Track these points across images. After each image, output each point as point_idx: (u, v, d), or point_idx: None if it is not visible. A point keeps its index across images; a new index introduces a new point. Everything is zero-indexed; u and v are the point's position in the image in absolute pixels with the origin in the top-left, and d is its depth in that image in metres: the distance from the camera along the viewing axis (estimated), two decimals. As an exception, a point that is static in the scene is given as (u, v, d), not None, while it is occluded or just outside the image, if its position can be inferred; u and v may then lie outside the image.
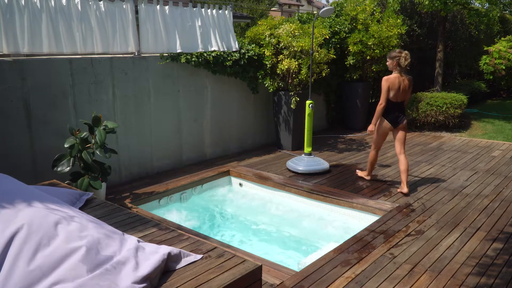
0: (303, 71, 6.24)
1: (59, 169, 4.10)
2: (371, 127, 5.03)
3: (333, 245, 3.74)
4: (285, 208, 5.00)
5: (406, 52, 4.76)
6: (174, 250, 2.35)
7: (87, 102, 4.84)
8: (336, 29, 7.75)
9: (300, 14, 8.49)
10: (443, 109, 8.10)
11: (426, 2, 8.81)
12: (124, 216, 3.04)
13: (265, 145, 7.19)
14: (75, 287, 1.95)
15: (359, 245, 3.68)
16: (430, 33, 10.61)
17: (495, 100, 12.06)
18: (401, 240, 3.78)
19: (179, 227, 4.02)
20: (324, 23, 7.81)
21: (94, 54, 4.91)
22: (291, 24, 6.61)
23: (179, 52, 5.61)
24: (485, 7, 10.09)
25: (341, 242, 3.78)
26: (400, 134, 4.97)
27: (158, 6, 5.38)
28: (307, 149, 5.79)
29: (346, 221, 4.62)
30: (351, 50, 7.61)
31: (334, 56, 6.98)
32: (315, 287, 3.05)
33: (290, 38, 6.38)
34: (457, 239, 3.80)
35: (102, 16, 4.88)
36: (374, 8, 8.08)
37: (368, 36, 7.51)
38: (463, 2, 9.04)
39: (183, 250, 2.43)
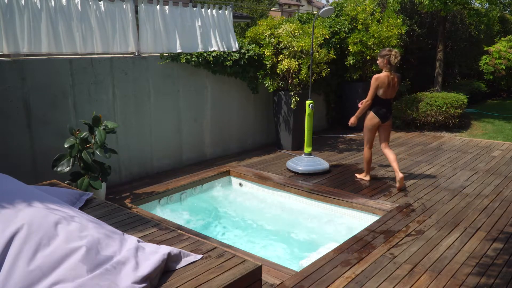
0: (303, 71, 6.24)
1: (59, 169, 4.10)
2: (353, 120, 5.20)
3: (333, 245, 3.74)
4: (285, 208, 5.00)
5: (396, 50, 4.91)
6: (174, 250, 2.35)
7: (87, 102, 4.84)
8: (336, 29, 7.75)
9: (300, 14, 8.49)
10: (443, 109, 8.10)
11: (426, 2, 8.81)
12: (124, 216, 3.04)
13: (265, 145, 7.19)
14: (75, 287, 1.95)
15: (359, 245, 3.68)
16: (430, 33, 10.61)
17: (495, 100, 12.06)
18: (401, 240, 3.78)
19: (179, 227, 4.02)
20: (324, 23, 7.81)
21: (94, 54, 4.91)
22: (291, 24, 6.61)
23: (179, 52, 5.61)
24: (485, 7, 10.09)
25: (341, 242, 3.78)
26: (386, 129, 5.20)
27: (158, 6, 5.38)
28: (307, 149, 5.79)
29: (346, 221, 4.62)
30: (351, 50, 7.61)
31: (334, 56, 6.98)
32: (315, 287, 3.05)
33: (290, 38, 6.38)
34: (457, 239, 3.80)
35: (102, 16, 4.88)
36: (374, 8, 8.08)
37: (368, 36, 7.51)
38: (463, 2, 9.04)
39: (183, 250, 2.44)
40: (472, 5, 9.85)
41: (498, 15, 11.72)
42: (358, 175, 5.50)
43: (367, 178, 5.37)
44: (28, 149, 4.45)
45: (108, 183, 4.95)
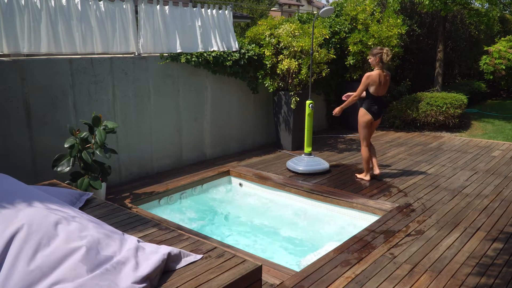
0: (303, 71, 6.24)
1: (59, 169, 4.10)
2: (338, 110, 5.40)
3: (333, 245, 3.74)
4: (285, 208, 5.00)
5: (387, 48, 5.02)
6: (174, 250, 2.35)
7: (87, 102, 4.84)
8: (336, 29, 7.75)
9: (300, 14, 8.49)
10: (443, 109, 8.10)
11: (426, 2, 8.81)
12: (124, 216, 3.04)
13: (265, 145, 7.19)
14: (75, 287, 1.95)
15: (359, 245, 3.68)
16: (430, 33, 10.61)
17: (495, 100, 12.06)
18: (401, 240, 3.78)
19: (179, 227, 4.02)
20: (324, 23, 7.81)
21: (94, 54, 4.91)
22: (291, 24, 6.61)
23: (179, 52, 5.61)
24: (485, 7, 10.09)
25: (341, 242, 3.78)
26: (374, 126, 5.31)
27: (158, 6, 5.38)
28: (307, 149, 5.79)
29: (346, 221, 4.62)
30: (351, 50, 7.61)
31: (334, 56, 6.98)
32: (315, 287, 3.05)
33: (290, 38, 6.38)
34: (457, 239, 3.80)
35: (102, 16, 4.88)
36: (374, 8, 8.08)
37: (368, 36, 7.51)
38: (463, 2, 9.04)
39: (183, 250, 2.43)
40: (472, 5, 9.85)
41: (498, 15, 11.72)
42: (358, 175, 5.50)
43: (367, 178, 5.36)
44: (28, 149, 4.45)
45: (108, 183, 4.95)
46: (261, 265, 2.41)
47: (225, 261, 2.40)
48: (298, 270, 3.32)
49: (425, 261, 3.42)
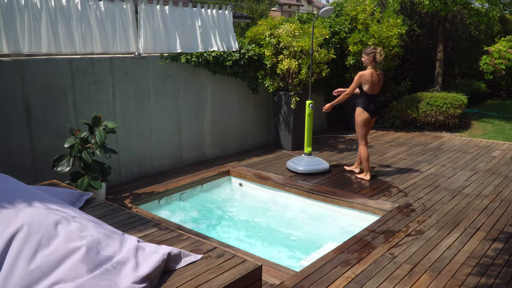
0: (303, 71, 6.24)
1: (59, 169, 4.10)
2: (328, 106, 5.48)
3: (333, 245, 3.74)
4: (285, 208, 5.00)
5: (380, 48, 5.11)
6: (174, 250, 2.35)
7: (87, 102, 4.84)
8: (336, 29, 7.75)
9: (300, 14, 8.49)
10: (443, 109, 8.10)
11: (426, 2, 8.81)
12: (124, 216, 3.04)
13: (265, 145, 7.19)
14: (75, 287, 1.95)
15: (359, 245, 3.68)
16: (430, 33, 10.61)
17: (495, 100, 12.06)
18: (401, 240, 3.78)
19: (179, 227, 4.02)
20: (324, 23, 7.81)
21: (94, 54, 4.91)
22: (291, 24, 6.61)
23: (179, 52, 5.61)
24: (485, 7, 10.09)
25: (341, 242, 3.77)
26: (370, 125, 5.38)
27: (158, 6, 5.38)
28: (307, 149, 5.79)
29: (346, 221, 4.62)
30: (351, 50, 7.60)
31: (334, 56, 6.98)
32: (315, 287, 3.05)
33: (290, 38, 6.38)
34: (457, 239, 3.80)
35: (102, 16, 4.88)
36: (374, 8, 8.08)
37: (368, 36, 7.51)
38: (463, 2, 9.04)
39: (183, 250, 2.43)
40: (472, 5, 9.85)
41: (498, 15, 11.73)
42: (358, 175, 5.50)
43: (368, 177, 5.36)
44: (28, 149, 4.45)
45: (108, 183, 4.95)
46: (261, 265, 2.41)
47: (225, 261, 2.40)
48: (298, 270, 3.32)
49: (425, 261, 3.42)
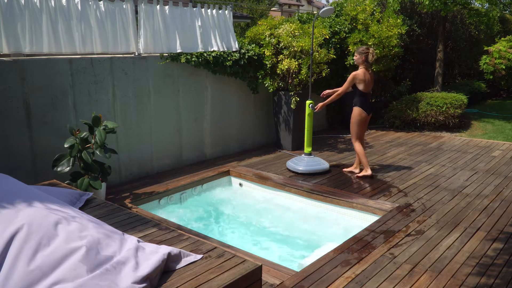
0: (303, 71, 6.25)
1: (59, 169, 4.10)
2: (321, 106, 5.58)
3: (333, 245, 3.74)
4: (285, 208, 5.00)
5: (372, 49, 5.30)
6: (174, 250, 2.35)
7: (87, 102, 4.84)
8: (336, 29, 7.75)
9: (300, 14, 8.49)
10: (443, 109, 8.10)
11: (426, 2, 8.81)
12: (124, 216, 3.04)
13: (265, 145, 7.19)
14: (75, 287, 1.95)
15: (359, 245, 3.68)
16: (430, 33, 10.61)
17: (495, 100, 12.06)
18: (401, 240, 3.78)
19: (179, 227, 4.02)
20: (324, 23, 7.81)
21: (93, 54, 4.91)
22: (291, 24, 6.61)
23: (179, 52, 5.61)
24: (485, 7, 10.09)
25: (341, 242, 3.77)
26: (367, 123, 5.54)
27: (158, 6, 5.38)
28: (307, 149, 5.79)
29: (346, 221, 4.62)
30: (351, 50, 7.61)
31: (334, 56, 6.98)
32: (315, 287, 3.05)
33: (290, 38, 6.38)
34: (457, 239, 3.80)
35: (102, 16, 4.88)
36: (374, 8, 8.08)
37: (368, 36, 7.51)
38: (463, 2, 9.04)
39: (183, 250, 2.43)
40: (472, 5, 9.85)
41: (498, 15, 11.73)
42: (359, 174, 5.50)
43: (369, 172, 5.40)
44: (28, 149, 4.45)
45: (108, 183, 4.95)
46: (261, 265, 2.41)
47: (225, 261, 2.40)
48: (298, 270, 3.32)
49: (425, 261, 3.42)
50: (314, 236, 4.37)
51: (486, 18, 9.62)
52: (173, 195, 5.06)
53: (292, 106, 6.48)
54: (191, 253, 2.44)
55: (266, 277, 3.11)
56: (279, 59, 6.46)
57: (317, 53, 6.38)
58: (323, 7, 5.85)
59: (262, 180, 5.40)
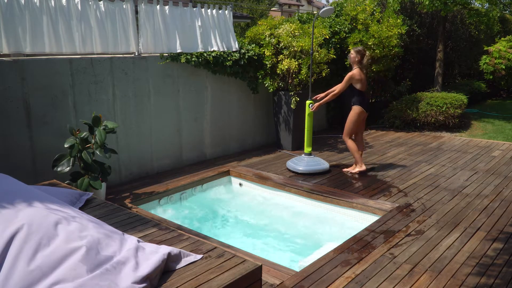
0: (303, 71, 6.25)
1: (59, 169, 4.10)
2: (317, 106, 5.64)
3: (333, 245, 3.74)
4: (285, 208, 5.00)
5: (369, 53, 5.50)
6: (174, 250, 2.35)
7: (87, 102, 4.84)
8: (336, 29, 7.75)
9: (300, 14, 8.49)
10: (443, 109, 8.10)
11: (426, 2, 8.81)
12: (124, 216, 3.04)
13: (265, 145, 7.19)
14: (75, 287, 1.95)
15: (359, 245, 3.68)
16: (430, 33, 10.61)
17: (495, 100, 12.06)
18: (401, 240, 3.78)
19: (179, 227, 4.02)
20: (324, 23, 7.81)
21: (93, 54, 4.91)
22: (291, 24, 6.61)
23: (179, 52, 5.61)
24: (485, 7, 10.09)
25: (341, 242, 3.77)
26: (364, 121, 5.67)
27: (158, 6, 5.38)
28: (307, 149, 5.79)
29: (346, 221, 4.62)
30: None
31: (334, 56, 6.98)
32: (315, 287, 3.05)
33: (290, 38, 6.38)
34: (457, 239, 3.80)
35: (102, 16, 4.88)
36: (374, 8, 8.08)
37: (368, 36, 7.51)
38: (463, 2, 9.04)
39: (183, 250, 2.44)
40: (472, 5, 9.85)
41: (498, 15, 11.72)
42: (353, 171, 5.57)
43: (363, 167, 5.50)
44: (28, 149, 4.45)
45: (108, 183, 4.95)
46: (261, 265, 2.41)
47: (225, 261, 2.40)
48: (298, 270, 3.32)
49: (425, 261, 3.42)
50: (314, 236, 4.38)
51: (486, 18, 9.62)
52: (173, 195, 5.07)
53: (292, 106, 6.48)
54: (191, 253, 2.44)
55: (266, 277, 3.11)
56: (279, 59, 6.46)
57: (317, 53, 6.38)
58: (323, 7, 5.85)
59: (262, 180, 5.40)
